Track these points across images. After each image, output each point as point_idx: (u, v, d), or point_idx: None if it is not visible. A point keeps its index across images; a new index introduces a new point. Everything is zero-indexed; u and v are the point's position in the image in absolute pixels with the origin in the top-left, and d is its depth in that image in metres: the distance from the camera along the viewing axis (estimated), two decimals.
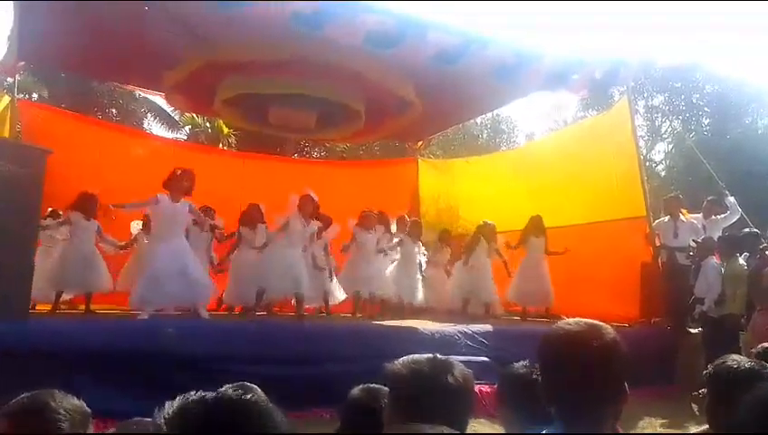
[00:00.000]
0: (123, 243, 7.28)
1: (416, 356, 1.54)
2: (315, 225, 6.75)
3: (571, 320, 1.49)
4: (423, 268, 8.25)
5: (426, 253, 8.45)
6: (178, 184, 6.20)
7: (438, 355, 1.57)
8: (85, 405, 1.61)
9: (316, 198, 6.76)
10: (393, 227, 8.11)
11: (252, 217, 7.19)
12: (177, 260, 5.98)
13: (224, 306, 7.52)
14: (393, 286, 7.70)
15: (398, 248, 8.00)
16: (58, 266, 6.44)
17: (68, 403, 1.57)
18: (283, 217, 6.71)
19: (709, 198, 7.86)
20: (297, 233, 6.63)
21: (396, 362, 1.53)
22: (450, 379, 1.47)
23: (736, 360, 2.04)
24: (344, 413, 2.00)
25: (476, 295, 8.14)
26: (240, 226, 7.27)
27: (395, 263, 8.05)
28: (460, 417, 1.48)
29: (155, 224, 6.39)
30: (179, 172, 6.24)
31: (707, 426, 2.13)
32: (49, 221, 6.65)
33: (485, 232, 8.22)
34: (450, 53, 6.22)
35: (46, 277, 6.30)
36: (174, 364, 4.75)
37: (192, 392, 1.07)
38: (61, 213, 6.81)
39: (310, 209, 6.69)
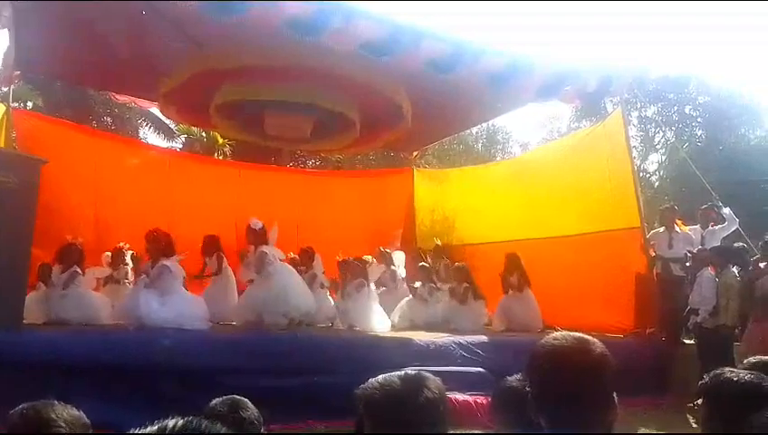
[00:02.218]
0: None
1: (386, 376, 1.49)
2: (260, 252, 6.62)
3: (558, 334, 1.49)
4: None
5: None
6: (152, 245, 6.28)
7: (409, 370, 1.53)
8: (84, 416, 1.61)
9: (257, 226, 6.71)
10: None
11: (208, 248, 7.32)
12: (162, 314, 5.89)
13: None
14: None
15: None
16: (48, 307, 6.31)
17: (68, 414, 1.56)
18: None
19: (703, 207, 7.89)
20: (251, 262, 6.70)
21: (366, 384, 1.48)
22: (427, 393, 1.44)
23: (735, 372, 1.99)
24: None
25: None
26: (203, 255, 7.35)
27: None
28: (439, 428, 1.47)
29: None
30: (151, 233, 6.30)
31: None
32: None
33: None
34: (444, 62, 6.25)
35: (40, 307, 6.28)
36: (168, 376, 4.74)
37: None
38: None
39: (251, 239, 6.71)
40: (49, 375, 4.23)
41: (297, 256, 7.60)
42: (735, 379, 1.93)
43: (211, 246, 7.33)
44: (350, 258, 7.52)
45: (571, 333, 1.48)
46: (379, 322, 7.18)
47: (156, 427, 1.02)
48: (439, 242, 9.14)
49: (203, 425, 1.04)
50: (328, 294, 7.56)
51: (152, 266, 6.18)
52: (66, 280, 6.39)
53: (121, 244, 7.39)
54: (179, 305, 6.05)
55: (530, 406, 1.48)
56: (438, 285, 8.24)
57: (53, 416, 1.53)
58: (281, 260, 6.77)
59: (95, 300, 6.62)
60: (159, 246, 6.25)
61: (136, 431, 1.02)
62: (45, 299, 6.32)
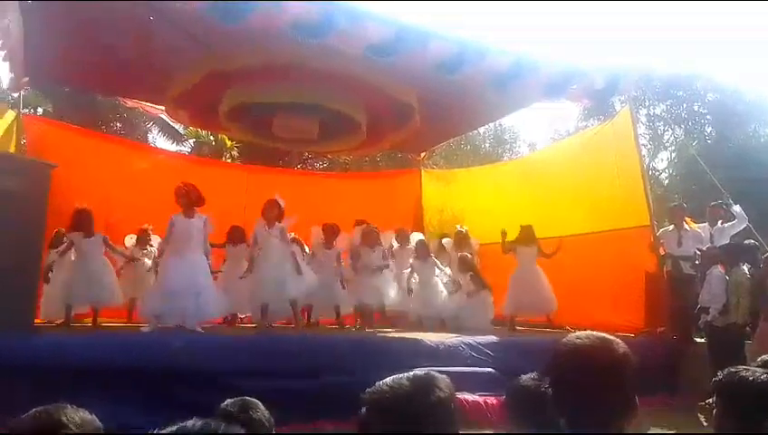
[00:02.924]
0: (128, 253, 7.38)
1: (394, 377, 1.46)
2: (278, 227, 6.74)
3: (581, 333, 1.49)
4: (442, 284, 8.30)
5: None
6: (185, 199, 6.25)
7: (417, 371, 1.50)
8: (97, 420, 1.61)
9: (282, 203, 6.79)
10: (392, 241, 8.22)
11: (235, 236, 7.46)
12: (190, 276, 6.00)
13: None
14: (397, 299, 7.69)
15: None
16: (66, 283, 6.52)
17: (79, 418, 1.56)
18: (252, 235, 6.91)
19: (712, 204, 7.86)
20: (263, 239, 6.71)
21: (374, 387, 1.45)
22: (438, 393, 1.42)
23: (751, 371, 1.95)
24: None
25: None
26: (226, 243, 7.47)
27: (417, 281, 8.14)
28: (451, 427, 1.46)
29: (172, 240, 6.40)
30: (182, 187, 6.28)
31: None
32: (53, 255, 6.76)
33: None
34: (450, 62, 6.24)
35: (56, 294, 6.45)
36: (180, 379, 4.75)
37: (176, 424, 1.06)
38: (64, 237, 6.83)
39: (274, 213, 6.73)
40: (60, 378, 4.25)
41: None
42: (751, 378, 1.90)
43: (237, 236, 7.46)
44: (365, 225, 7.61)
45: (594, 333, 1.48)
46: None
47: (175, 428, 1.03)
48: (464, 229, 8.88)
49: (221, 427, 1.05)
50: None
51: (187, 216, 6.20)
52: (104, 244, 6.68)
53: (146, 225, 7.49)
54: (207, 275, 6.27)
55: (549, 405, 1.48)
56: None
57: (64, 419, 1.53)
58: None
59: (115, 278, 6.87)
60: (191, 199, 6.27)
61: (153, 432, 1.03)
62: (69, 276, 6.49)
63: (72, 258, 6.79)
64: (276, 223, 6.71)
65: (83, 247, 6.60)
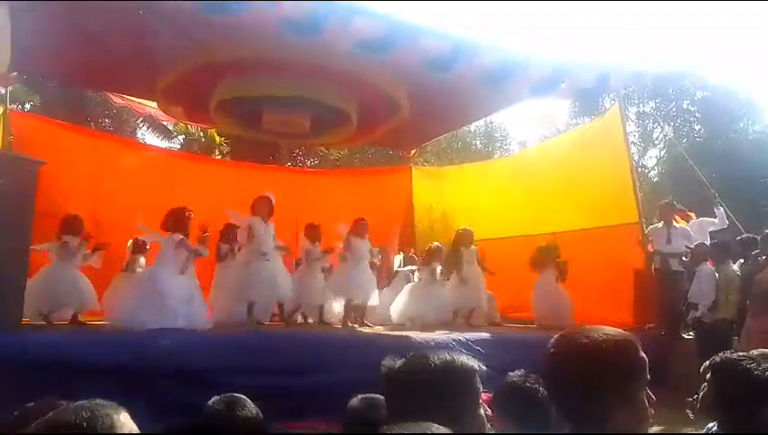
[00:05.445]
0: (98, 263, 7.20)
1: (410, 355, 1.49)
2: (273, 225, 6.76)
3: (586, 328, 1.42)
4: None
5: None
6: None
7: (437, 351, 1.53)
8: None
9: (272, 198, 6.79)
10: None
11: (228, 235, 7.36)
12: (185, 290, 5.97)
13: None
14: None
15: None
16: (44, 286, 6.19)
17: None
18: (244, 228, 6.81)
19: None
20: (261, 237, 6.65)
21: (393, 363, 1.48)
22: (464, 363, 1.48)
23: (755, 361, 1.88)
24: (345, 424, 2.00)
25: (467, 305, 8.05)
26: (219, 241, 7.39)
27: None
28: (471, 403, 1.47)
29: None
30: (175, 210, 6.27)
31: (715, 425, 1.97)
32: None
33: (464, 241, 8.21)
34: (441, 59, 6.24)
35: (33, 296, 6.24)
36: (169, 377, 4.73)
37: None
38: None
39: (266, 210, 6.72)
40: (48, 376, 4.21)
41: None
42: (756, 372, 1.84)
43: (232, 235, 7.38)
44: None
45: (602, 327, 1.41)
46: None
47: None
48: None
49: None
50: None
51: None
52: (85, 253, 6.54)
53: (146, 237, 7.42)
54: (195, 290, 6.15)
55: (545, 402, 1.46)
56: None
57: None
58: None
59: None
60: (181, 224, 6.20)
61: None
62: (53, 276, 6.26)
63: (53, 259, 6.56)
64: (270, 221, 6.69)
65: (67, 250, 6.40)
